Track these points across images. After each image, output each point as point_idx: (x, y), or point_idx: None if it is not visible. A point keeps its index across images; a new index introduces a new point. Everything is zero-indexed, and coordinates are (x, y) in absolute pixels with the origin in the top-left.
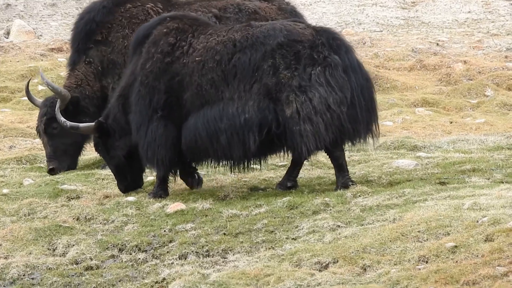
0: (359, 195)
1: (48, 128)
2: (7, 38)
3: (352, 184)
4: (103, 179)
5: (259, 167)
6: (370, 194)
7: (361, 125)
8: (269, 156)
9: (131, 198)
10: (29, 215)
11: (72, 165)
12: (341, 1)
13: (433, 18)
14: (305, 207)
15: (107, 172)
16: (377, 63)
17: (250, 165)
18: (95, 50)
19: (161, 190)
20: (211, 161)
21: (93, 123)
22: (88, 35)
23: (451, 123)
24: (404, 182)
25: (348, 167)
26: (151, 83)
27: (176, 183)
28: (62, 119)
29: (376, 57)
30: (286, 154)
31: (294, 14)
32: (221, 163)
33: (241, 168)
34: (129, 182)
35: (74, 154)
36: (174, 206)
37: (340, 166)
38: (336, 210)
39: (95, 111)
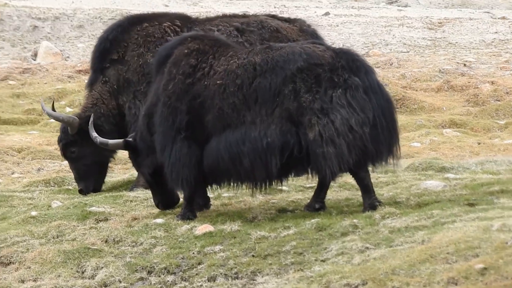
0: (387, 217)
1: (66, 153)
2: (34, 60)
3: (379, 205)
4: (131, 201)
5: (287, 188)
6: (398, 215)
7: (383, 146)
8: (292, 177)
9: (159, 220)
10: (57, 238)
11: (97, 185)
12: (367, 22)
13: (460, 38)
14: (333, 229)
15: (136, 194)
16: (404, 84)
17: (272, 186)
18: (111, 69)
19: (188, 212)
20: (233, 183)
21: (121, 140)
22: (103, 54)
23: (479, 144)
24: (433, 204)
25: (375, 189)
26: (173, 104)
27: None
28: (94, 134)
29: (403, 78)
30: (310, 176)
31: (315, 37)
32: (243, 185)
33: (263, 190)
34: (163, 198)
35: (98, 174)
36: (202, 228)
37: (366, 187)
38: (365, 232)
39: (112, 129)
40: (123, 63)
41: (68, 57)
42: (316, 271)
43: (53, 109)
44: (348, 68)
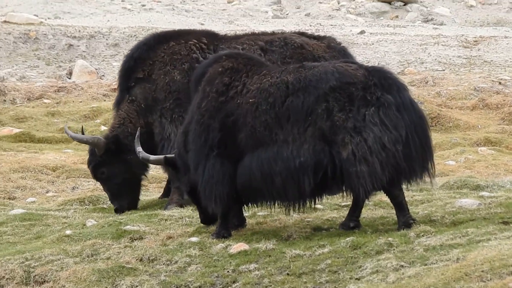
0: (422, 235)
1: (97, 174)
2: (69, 78)
3: (413, 223)
4: (166, 219)
5: (322, 207)
6: (433, 233)
7: (417, 163)
8: (326, 196)
9: (194, 239)
10: (92, 256)
11: (132, 203)
12: (403, 40)
13: (495, 56)
14: (368, 247)
15: (170, 212)
16: (440, 102)
17: (306, 206)
18: (137, 87)
19: (223, 230)
20: (266, 202)
21: (162, 157)
22: (128, 73)
23: None
24: (467, 222)
25: (410, 207)
26: (206, 122)
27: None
28: (139, 149)
29: (438, 96)
30: (344, 195)
31: (343, 53)
32: (276, 204)
33: (296, 209)
34: (204, 214)
35: (130, 192)
36: (237, 246)
37: (399, 205)
38: (400, 250)
39: None
40: (150, 81)
41: (103, 75)
42: None
43: (82, 133)
44: (380, 86)
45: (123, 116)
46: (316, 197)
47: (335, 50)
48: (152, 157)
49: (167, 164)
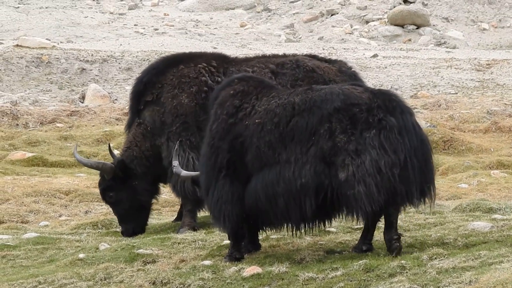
0: (435, 258)
1: (105, 197)
2: (82, 102)
3: (396, 242)
4: (179, 243)
5: (335, 230)
6: (446, 256)
7: (414, 186)
8: (331, 219)
9: (207, 262)
10: (105, 280)
11: (138, 228)
12: (416, 63)
13: (508, 80)
14: (381, 270)
15: (183, 236)
16: (452, 125)
17: (309, 228)
18: (146, 110)
19: (235, 251)
20: (272, 224)
21: (193, 173)
22: (137, 97)
23: None
24: (480, 244)
25: (423, 229)
26: (216, 144)
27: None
28: (175, 163)
29: (451, 119)
30: (341, 218)
31: (354, 78)
32: (280, 226)
33: (301, 231)
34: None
35: (138, 217)
36: (250, 269)
37: (389, 222)
38: (412, 273)
39: (145, 172)
40: (159, 104)
41: (116, 99)
42: None
43: (110, 150)
44: (384, 108)
45: (130, 140)
46: (320, 219)
47: (346, 74)
48: (184, 172)
49: (194, 183)
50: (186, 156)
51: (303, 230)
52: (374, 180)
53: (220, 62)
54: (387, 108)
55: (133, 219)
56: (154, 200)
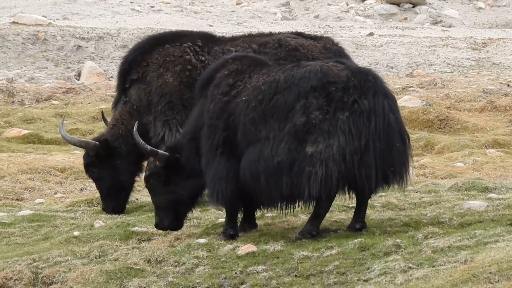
0: (430, 237)
1: (88, 172)
2: (78, 79)
3: (360, 227)
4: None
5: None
6: (441, 235)
7: (374, 170)
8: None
9: (202, 240)
10: (100, 257)
11: (118, 206)
12: (412, 42)
13: (504, 59)
14: (376, 249)
15: None
16: (448, 104)
17: (292, 206)
18: (132, 89)
19: (230, 228)
20: (259, 202)
21: (167, 154)
22: (123, 75)
23: None
24: (475, 224)
25: (418, 208)
26: (213, 123)
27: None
28: (141, 141)
29: (447, 98)
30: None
31: (339, 54)
32: (265, 204)
33: (284, 210)
34: (171, 220)
35: (117, 196)
36: (245, 248)
37: (356, 211)
38: (408, 252)
39: (129, 150)
40: (145, 83)
41: (111, 77)
42: None
43: (103, 118)
44: (359, 88)
45: (117, 117)
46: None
47: (331, 51)
48: (160, 152)
49: (168, 163)
50: (174, 134)
51: (287, 209)
52: (338, 167)
53: (205, 41)
54: (362, 89)
55: (113, 197)
56: (136, 178)
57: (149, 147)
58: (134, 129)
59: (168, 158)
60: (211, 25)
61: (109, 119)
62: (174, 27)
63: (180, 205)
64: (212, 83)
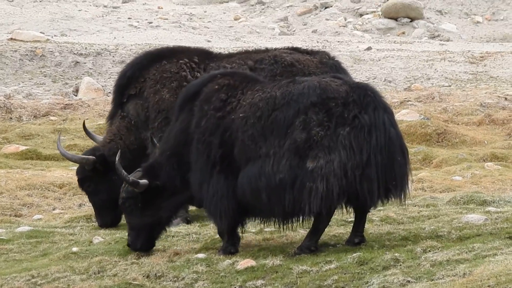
0: (429, 250)
1: (83, 186)
2: (76, 95)
3: (359, 241)
4: (173, 236)
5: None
6: (440, 249)
7: (376, 184)
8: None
9: (201, 255)
10: (99, 273)
11: (115, 220)
12: (409, 56)
13: (501, 72)
14: (375, 263)
15: (177, 229)
16: (446, 118)
17: (293, 222)
18: (130, 104)
19: (230, 246)
20: (259, 218)
21: (147, 182)
22: (120, 90)
23: None
24: (474, 237)
25: (417, 222)
26: (207, 139)
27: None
28: (123, 172)
29: (444, 112)
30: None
31: (335, 69)
32: (266, 220)
33: (286, 226)
34: (143, 241)
35: (112, 211)
36: (244, 262)
37: (354, 224)
38: (406, 266)
39: (126, 165)
40: (142, 98)
41: (109, 92)
42: None
43: (85, 129)
44: (359, 103)
45: (114, 132)
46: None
47: (327, 65)
48: (141, 182)
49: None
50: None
51: (289, 225)
52: (339, 183)
53: (202, 58)
54: (362, 104)
55: (109, 211)
56: None
57: (131, 178)
58: (117, 159)
59: (148, 186)
60: (209, 41)
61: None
62: (172, 43)
63: (155, 226)
64: (198, 98)
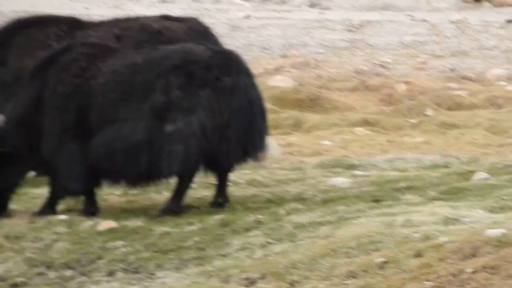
0: (292, 213)
1: None
2: None
3: (222, 202)
4: (36, 198)
5: (194, 185)
6: (303, 211)
7: (235, 145)
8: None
9: (62, 217)
10: None
11: None
12: (288, 24)
13: (378, 40)
14: (237, 225)
15: (40, 191)
16: (320, 84)
17: (147, 184)
18: None
19: (90, 205)
20: (112, 180)
21: None
22: None
23: (388, 142)
24: (338, 200)
25: (282, 185)
26: (63, 105)
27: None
28: None
29: (319, 78)
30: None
31: (204, 34)
32: (118, 183)
33: (138, 188)
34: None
35: None
36: (106, 223)
37: (217, 186)
38: (269, 227)
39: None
40: (5, 65)
41: None
42: (216, 266)
43: None
44: (222, 67)
45: None
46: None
47: (196, 32)
48: None
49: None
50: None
51: (145, 187)
52: (198, 143)
53: (71, 26)
54: (224, 68)
55: None
56: None
57: None
58: None
59: None
60: (87, 8)
61: None
62: (49, 10)
63: (4, 191)
64: (54, 67)
